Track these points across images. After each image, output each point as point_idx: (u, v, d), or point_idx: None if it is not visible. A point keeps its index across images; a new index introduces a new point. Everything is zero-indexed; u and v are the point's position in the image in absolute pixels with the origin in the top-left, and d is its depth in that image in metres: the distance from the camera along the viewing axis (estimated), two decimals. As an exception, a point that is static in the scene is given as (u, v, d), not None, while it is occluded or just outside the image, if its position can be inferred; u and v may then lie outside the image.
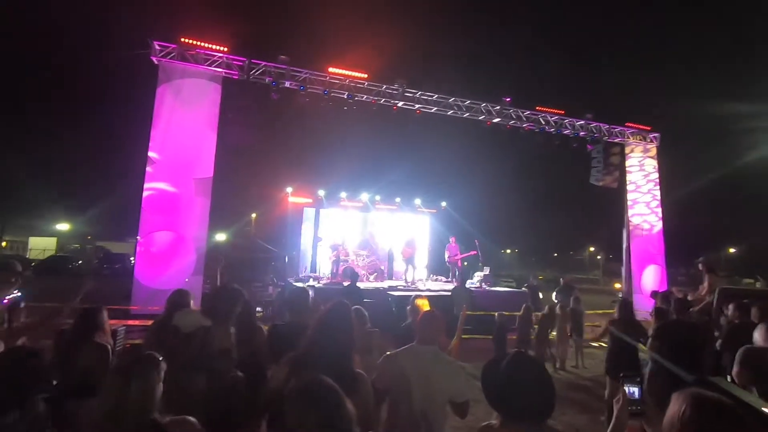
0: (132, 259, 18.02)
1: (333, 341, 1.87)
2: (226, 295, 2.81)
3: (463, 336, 8.06)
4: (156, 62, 9.60)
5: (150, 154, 9.27)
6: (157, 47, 9.60)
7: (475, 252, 13.61)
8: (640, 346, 5.06)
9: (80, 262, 28.13)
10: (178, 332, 2.37)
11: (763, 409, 1.46)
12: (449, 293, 10.98)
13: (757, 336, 3.07)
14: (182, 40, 9.77)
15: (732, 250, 45.48)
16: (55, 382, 2.81)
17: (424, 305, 3.49)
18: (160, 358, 1.69)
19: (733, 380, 3.68)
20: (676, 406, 1.26)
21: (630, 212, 14.26)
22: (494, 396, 1.61)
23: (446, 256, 13.83)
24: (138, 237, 9.14)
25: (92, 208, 33.75)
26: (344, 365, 1.84)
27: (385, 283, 12.56)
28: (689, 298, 6.59)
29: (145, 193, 9.17)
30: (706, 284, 6.55)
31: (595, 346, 8.81)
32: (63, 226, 37.50)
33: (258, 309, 8.79)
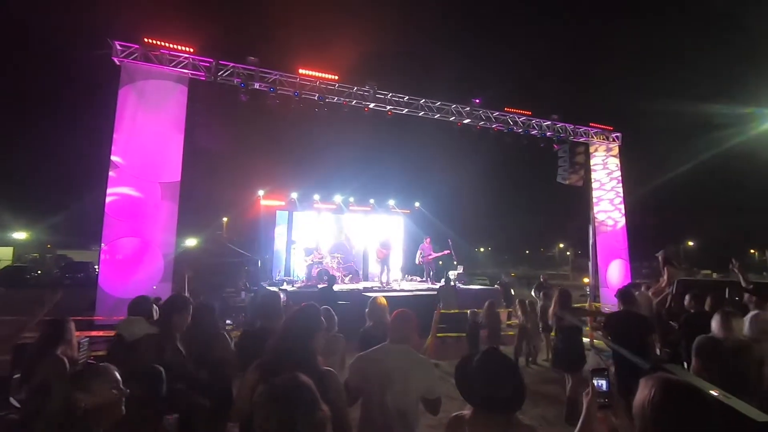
0: (96, 267, 17.29)
1: (300, 343, 1.87)
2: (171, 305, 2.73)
3: (438, 335, 8.19)
4: (118, 63, 9.26)
5: (113, 158, 8.92)
6: (119, 47, 9.25)
7: (449, 251, 13.79)
8: (590, 327, 5.35)
9: (39, 272, 26.77)
10: (122, 340, 2.30)
11: (712, 392, 1.56)
12: (425, 293, 11.11)
13: (714, 325, 3.26)
14: (145, 40, 9.46)
15: (691, 244, 47.90)
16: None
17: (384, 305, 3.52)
18: (108, 369, 1.62)
19: (688, 366, 3.90)
20: (645, 390, 1.32)
21: (595, 209, 14.78)
22: (466, 389, 1.68)
23: (419, 256, 13.94)
24: (102, 244, 8.78)
25: (52, 216, 32.22)
26: (312, 365, 1.84)
27: (361, 285, 12.56)
28: (651, 290, 6.92)
29: (108, 199, 8.81)
30: (665, 276, 6.87)
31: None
32: (20, 235, 35.54)
33: (228, 322, 8.60)
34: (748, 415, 1.42)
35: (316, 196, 15.33)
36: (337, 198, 15.66)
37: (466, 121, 12.91)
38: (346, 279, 13.53)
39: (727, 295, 5.46)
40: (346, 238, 15.19)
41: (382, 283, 12.63)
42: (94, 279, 10.90)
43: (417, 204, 17.52)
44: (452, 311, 8.61)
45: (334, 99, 11.35)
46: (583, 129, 14.54)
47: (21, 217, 33.68)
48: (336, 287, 8.99)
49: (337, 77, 11.36)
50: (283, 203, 15.12)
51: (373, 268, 14.37)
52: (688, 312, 4.62)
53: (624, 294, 4.58)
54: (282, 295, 3.59)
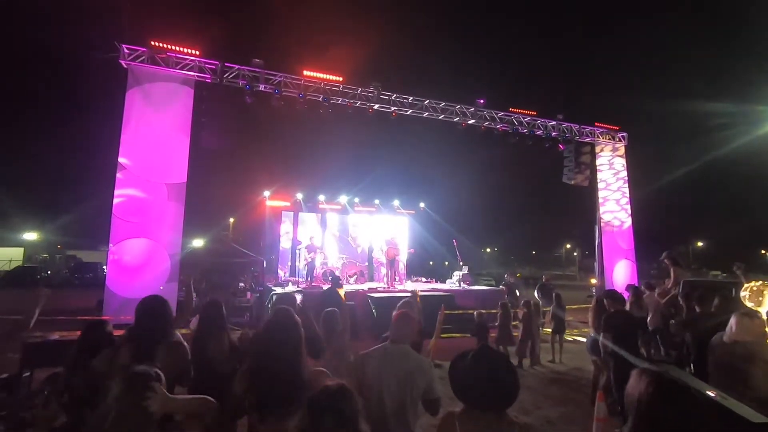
0: (104, 267, 17.46)
1: (280, 349, 1.90)
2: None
3: (443, 335, 8.19)
4: (125, 66, 9.37)
5: (120, 159, 9.03)
6: (126, 51, 9.36)
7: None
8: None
9: (49, 272, 27.11)
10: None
11: (708, 392, 1.56)
12: (430, 294, 11.10)
13: (730, 326, 3.21)
14: (152, 43, 9.57)
15: (700, 244, 47.41)
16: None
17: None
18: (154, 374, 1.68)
19: (694, 367, 3.88)
20: (640, 384, 1.37)
21: (601, 209, 14.67)
22: (457, 385, 1.67)
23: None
24: (109, 245, 8.89)
25: (62, 217, 32.62)
26: (295, 368, 1.88)
27: (366, 285, 12.59)
28: (657, 290, 6.88)
29: (115, 200, 8.92)
30: (672, 277, 6.82)
31: (570, 341, 9.06)
32: (30, 236, 36.00)
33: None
34: (743, 415, 1.43)
35: (322, 197, 15.40)
36: (342, 198, 15.72)
37: (471, 121, 12.89)
38: (351, 279, 13.56)
39: (733, 296, 5.40)
40: (351, 239, 15.24)
41: (387, 284, 12.65)
42: (102, 279, 11.02)
43: (422, 204, 17.52)
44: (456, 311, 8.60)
45: (338, 100, 11.39)
46: (588, 129, 14.46)
47: (31, 218, 34.16)
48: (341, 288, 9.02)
49: (341, 79, 11.41)
50: (288, 204, 15.20)
51: (378, 268, 14.40)
52: (693, 313, 4.57)
53: (612, 295, 4.80)
54: (298, 297, 3.61)
